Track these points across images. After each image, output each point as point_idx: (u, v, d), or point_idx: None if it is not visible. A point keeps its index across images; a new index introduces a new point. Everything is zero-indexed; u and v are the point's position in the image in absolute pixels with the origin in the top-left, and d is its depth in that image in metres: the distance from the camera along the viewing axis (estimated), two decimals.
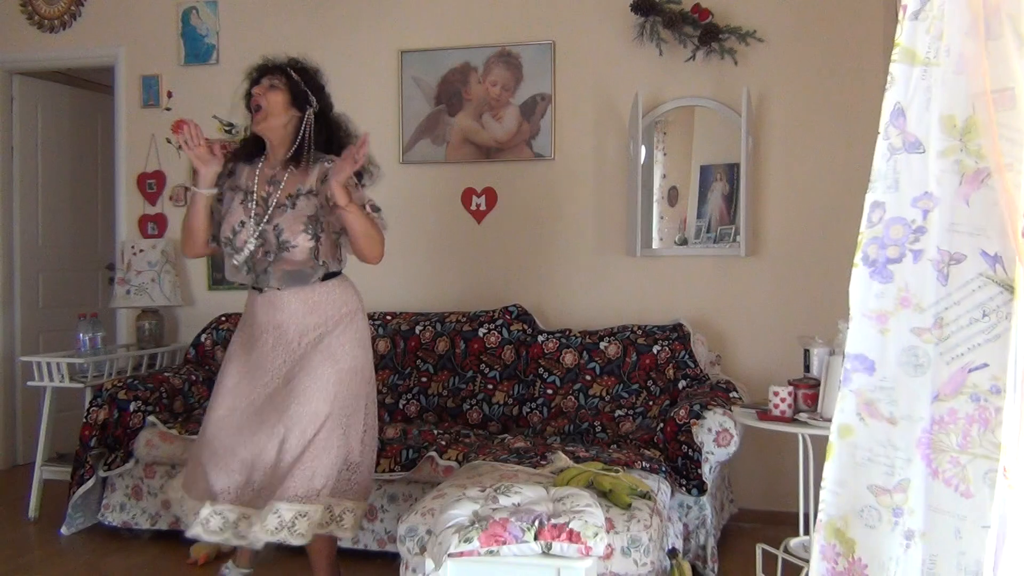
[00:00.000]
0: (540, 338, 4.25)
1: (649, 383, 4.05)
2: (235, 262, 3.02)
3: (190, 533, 2.95)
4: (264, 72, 3.08)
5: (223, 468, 2.94)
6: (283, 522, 2.81)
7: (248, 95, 3.07)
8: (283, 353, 3.00)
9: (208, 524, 2.90)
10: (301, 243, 2.95)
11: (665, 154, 4.52)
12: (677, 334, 4.11)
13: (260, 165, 3.08)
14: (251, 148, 3.12)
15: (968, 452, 1.70)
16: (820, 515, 1.88)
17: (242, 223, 3.01)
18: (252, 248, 2.97)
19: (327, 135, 3.10)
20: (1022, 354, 1.69)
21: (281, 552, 3.74)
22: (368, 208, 2.98)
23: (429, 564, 2.45)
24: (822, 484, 1.88)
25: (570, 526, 2.38)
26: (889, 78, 1.80)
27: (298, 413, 2.90)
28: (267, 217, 2.98)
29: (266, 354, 3.01)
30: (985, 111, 1.69)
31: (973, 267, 1.72)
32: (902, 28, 1.78)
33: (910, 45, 1.77)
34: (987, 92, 1.68)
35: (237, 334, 3.15)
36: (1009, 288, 1.68)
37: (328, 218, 2.97)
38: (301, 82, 3.06)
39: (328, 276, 3.05)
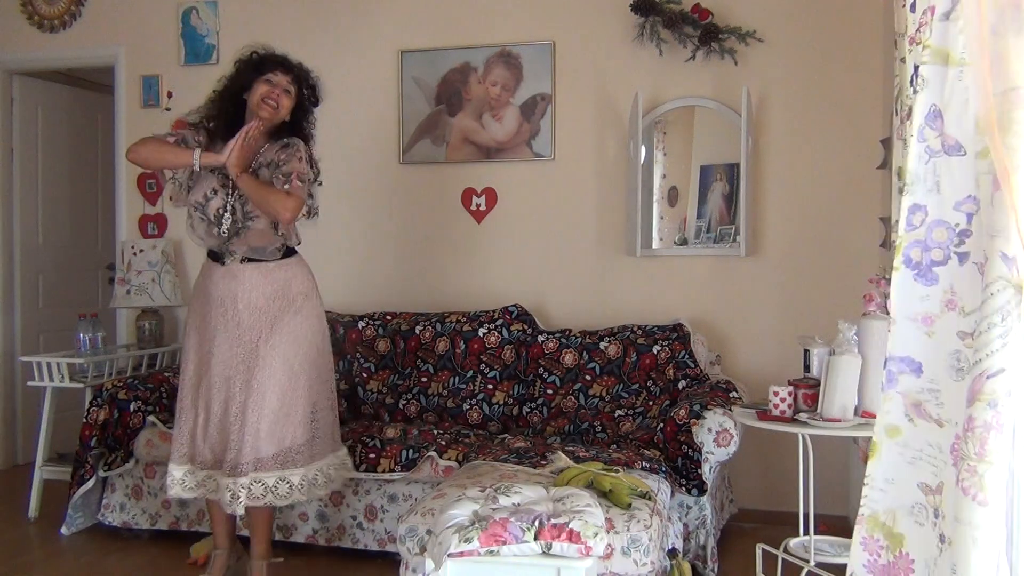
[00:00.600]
0: (540, 338, 4.25)
1: (649, 383, 4.05)
2: (215, 231, 3.18)
3: (171, 494, 3.24)
4: (280, 66, 3.23)
5: (196, 436, 3.21)
6: (267, 487, 3.10)
7: (246, 72, 3.23)
8: (242, 324, 3.17)
9: (184, 483, 3.19)
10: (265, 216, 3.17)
11: (665, 154, 4.52)
12: (677, 334, 4.11)
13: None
14: (228, 122, 3.23)
15: (985, 460, 1.67)
16: (862, 509, 1.87)
17: (214, 191, 3.19)
18: (229, 222, 3.15)
19: (309, 116, 3.35)
20: None
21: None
22: (295, 177, 3.15)
23: (429, 564, 2.45)
24: (866, 481, 1.87)
25: (570, 526, 2.38)
26: (920, 80, 1.76)
27: (264, 386, 3.11)
28: (234, 187, 3.17)
29: (225, 326, 3.18)
30: (999, 109, 1.66)
31: (995, 270, 1.69)
32: (931, 29, 1.75)
33: (942, 46, 1.73)
34: (989, 92, 1.67)
35: (192, 312, 3.32)
36: (1020, 289, 1.66)
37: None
38: (308, 98, 3.29)
39: (287, 254, 3.26)
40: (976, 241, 1.73)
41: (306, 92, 3.29)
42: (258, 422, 3.09)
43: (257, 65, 3.23)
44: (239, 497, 3.06)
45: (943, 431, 1.77)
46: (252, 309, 3.17)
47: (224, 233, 3.16)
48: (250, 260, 3.19)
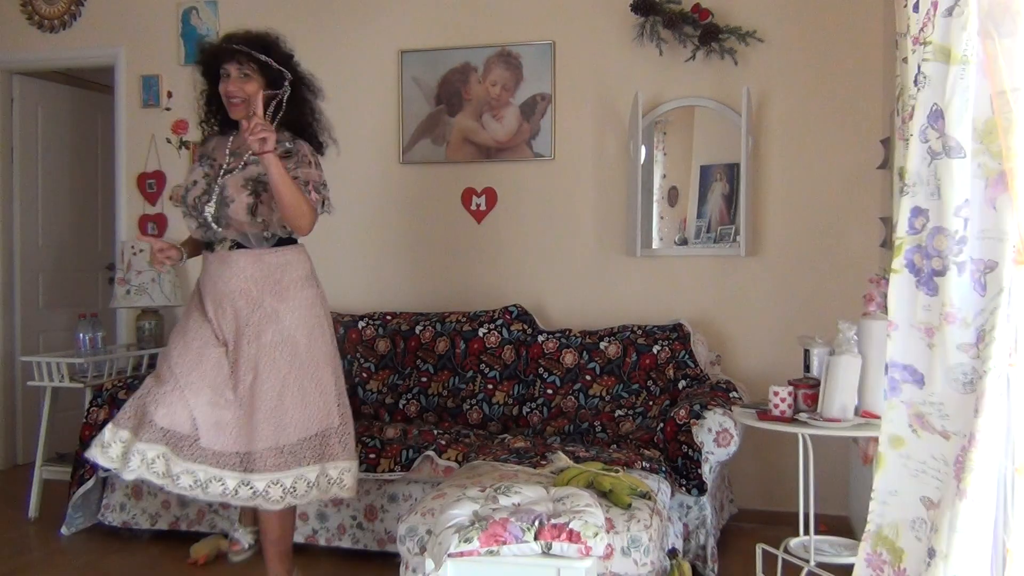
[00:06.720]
0: (540, 338, 4.25)
1: (649, 383, 4.05)
2: (197, 222, 3.08)
3: (88, 453, 3.03)
4: (226, 56, 3.04)
5: (167, 409, 2.96)
6: (256, 492, 2.91)
7: (208, 75, 3.12)
8: (235, 316, 3.03)
9: (108, 450, 2.96)
10: (240, 199, 2.98)
11: (665, 154, 4.52)
12: (677, 334, 4.11)
13: (231, 137, 3.14)
14: (227, 121, 3.14)
15: (982, 467, 1.66)
16: (868, 526, 1.82)
17: (195, 182, 3.10)
18: (213, 208, 3.02)
19: (301, 99, 3.14)
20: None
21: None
22: (311, 187, 2.99)
23: (429, 564, 2.45)
24: (872, 495, 1.83)
25: (570, 526, 2.38)
26: (922, 78, 1.72)
27: (256, 385, 2.96)
28: (218, 179, 3.05)
29: (219, 315, 3.05)
30: (999, 111, 1.63)
31: (1006, 273, 1.67)
32: (934, 26, 1.71)
33: (944, 43, 1.70)
34: (990, 93, 1.65)
35: (192, 296, 3.21)
36: (1008, 291, 1.65)
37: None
38: (272, 62, 3.06)
39: (281, 243, 3.08)
40: (972, 248, 1.70)
41: (270, 60, 3.03)
42: (262, 423, 2.94)
43: (207, 66, 3.10)
44: (268, 494, 2.90)
45: (949, 443, 1.72)
46: (244, 298, 3.02)
47: (208, 221, 3.02)
48: (240, 246, 3.05)
